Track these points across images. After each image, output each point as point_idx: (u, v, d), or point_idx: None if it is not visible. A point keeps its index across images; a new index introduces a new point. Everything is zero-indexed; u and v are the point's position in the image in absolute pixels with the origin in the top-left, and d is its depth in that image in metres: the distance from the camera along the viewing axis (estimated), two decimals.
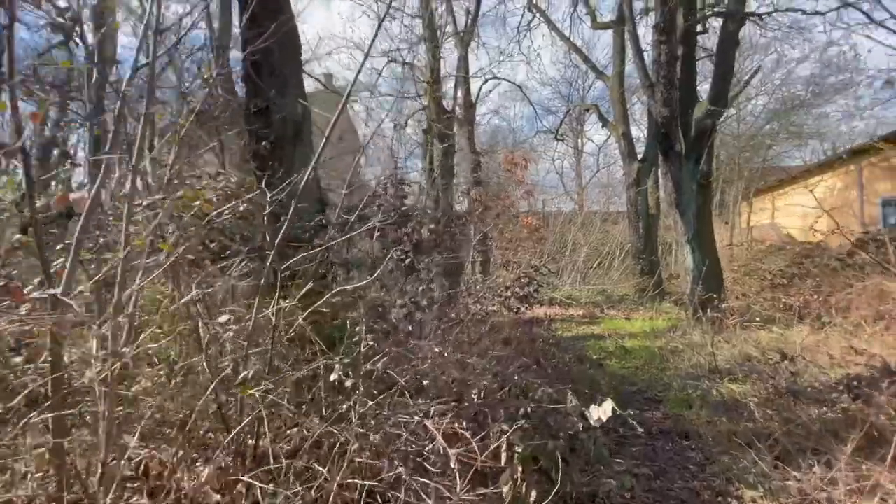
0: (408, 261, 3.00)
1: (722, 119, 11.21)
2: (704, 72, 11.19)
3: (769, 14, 12.41)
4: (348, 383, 1.72)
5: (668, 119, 7.22)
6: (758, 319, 6.39)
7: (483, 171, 17.10)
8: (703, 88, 9.04)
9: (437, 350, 2.55)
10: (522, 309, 5.69)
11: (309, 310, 2.39)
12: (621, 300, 11.11)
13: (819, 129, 21.78)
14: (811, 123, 22.20)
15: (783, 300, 6.70)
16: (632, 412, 4.15)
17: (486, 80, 14.30)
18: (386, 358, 1.93)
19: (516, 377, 2.57)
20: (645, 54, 8.69)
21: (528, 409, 2.09)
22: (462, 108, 13.85)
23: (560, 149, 30.25)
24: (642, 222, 11.44)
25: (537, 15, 13.83)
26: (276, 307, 2.05)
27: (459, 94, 13.52)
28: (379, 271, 3.07)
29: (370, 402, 1.75)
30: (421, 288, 2.82)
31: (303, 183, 2.14)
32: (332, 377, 1.77)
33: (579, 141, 27.10)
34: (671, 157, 7.35)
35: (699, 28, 9.57)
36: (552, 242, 16.17)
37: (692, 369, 5.15)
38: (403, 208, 3.02)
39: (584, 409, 2.37)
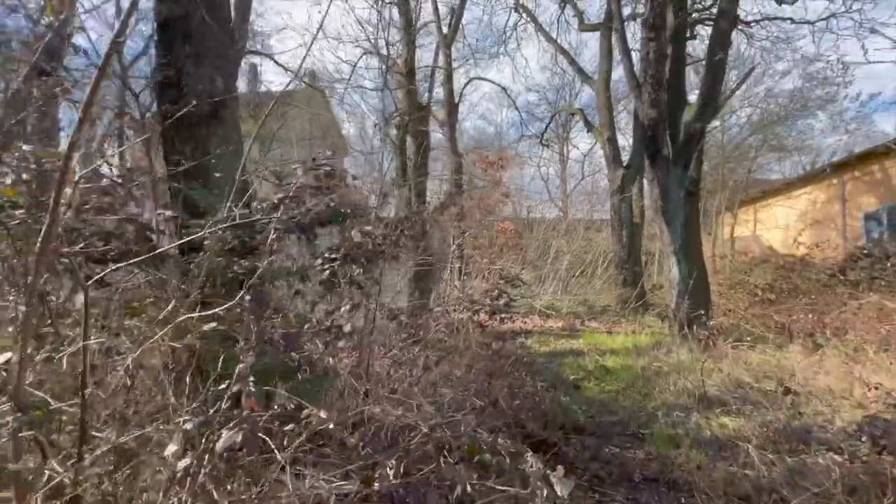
0: (327, 272, 2.37)
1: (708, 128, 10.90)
2: (692, 81, 10.86)
3: (757, 22, 12.19)
4: (181, 465, 1.11)
5: (656, 121, 6.75)
6: (748, 339, 5.92)
7: (466, 173, 16.58)
8: (690, 97, 8.65)
9: (363, 390, 1.94)
10: (494, 324, 5.12)
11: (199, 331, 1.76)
12: (603, 311, 10.63)
13: (802, 143, 21.81)
14: (795, 136, 22.27)
15: (775, 318, 6.24)
16: (612, 450, 3.60)
17: (470, 80, 13.79)
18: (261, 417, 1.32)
19: (463, 427, 1.98)
20: (633, 55, 8.24)
21: (469, 485, 1.50)
22: (444, 107, 13.31)
23: (545, 155, 30.00)
24: (626, 231, 11.00)
25: (524, 16, 13.40)
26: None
27: (441, 93, 12.96)
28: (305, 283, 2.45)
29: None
30: (345, 308, 2.20)
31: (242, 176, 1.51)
32: (167, 451, 1.15)
33: (565, 148, 26.83)
34: (658, 162, 6.88)
35: (688, 34, 9.19)
36: (535, 249, 15.70)
37: (679, 396, 4.62)
38: (332, 204, 2.43)
39: (549, 472, 1.79)
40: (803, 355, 5.46)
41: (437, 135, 12.99)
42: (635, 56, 8.37)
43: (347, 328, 2.07)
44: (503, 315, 4.87)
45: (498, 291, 4.79)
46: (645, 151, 7.03)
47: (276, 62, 10.58)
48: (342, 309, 2.16)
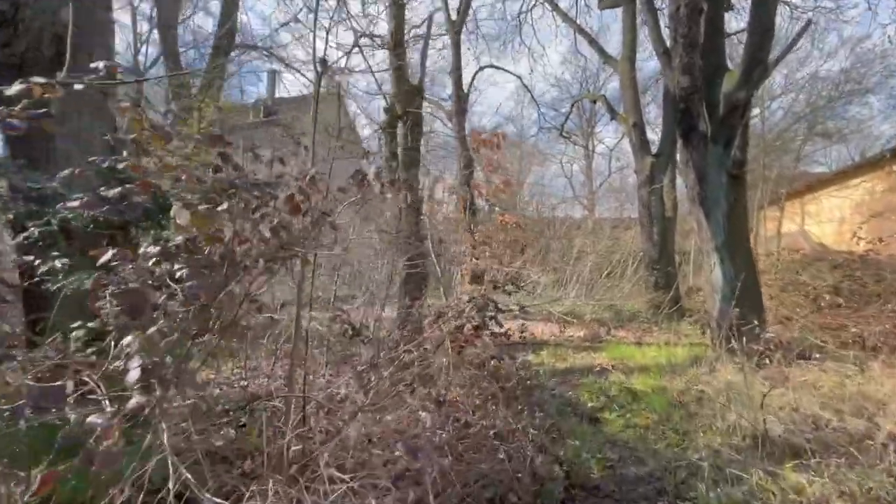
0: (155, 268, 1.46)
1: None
2: (728, 54, 9.51)
3: None
4: None
5: (689, 91, 5.61)
6: (817, 355, 4.71)
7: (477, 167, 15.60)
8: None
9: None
10: (493, 336, 4.13)
11: None
12: (632, 318, 9.42)
13: (859, 126, 19.79)
14: (843, 122, 20.32)
15: (851, 329, 4.99)
16: None
17: (481, 69, 12.84)
18: None
19: None
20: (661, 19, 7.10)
21: None
22: (453, 98, 12.38)
23: (569, 151, 28.67)
24: (657, 227, 9.76)
25: None
26: None
27: (449, 82, 12.07)
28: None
29: None
30: (134, 341, 1.30)
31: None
32: None
33: (590, 142, 25.46)
34: (693, 140, 5.73)
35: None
36: (556, 250, 14.54)
37: (730, 436, 3.50)
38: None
39: None
40: (893, 378, 4.24)
41: (448, 130, 12.08)
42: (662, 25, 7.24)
43: (134, 372, 1.17)
44: (491, 329, 3.86)
45: (483, 300, 3.78)
46: (677, 128, 5.89)
47: (273, 54, 9.89)
48: (128, 343, 1.26)
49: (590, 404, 4.47)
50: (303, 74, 10.14)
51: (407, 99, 6.06)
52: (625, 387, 4.91)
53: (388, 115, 6.35)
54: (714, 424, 3.70)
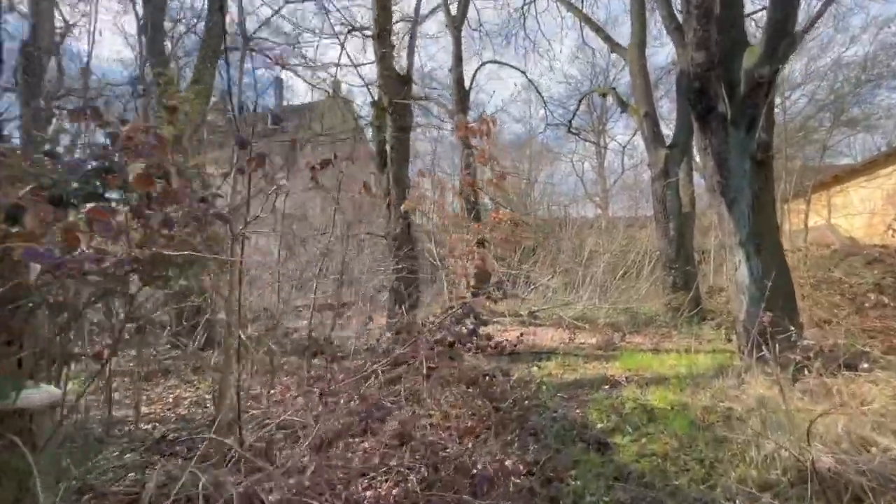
0: None
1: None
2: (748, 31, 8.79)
3: None
4: None
5: (706, 67, 5.01)
6: (864, 365, 4.06)
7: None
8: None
9: None
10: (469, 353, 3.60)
11: None
12: (648, 322, 8.76)
13: (885, 115, 18.74)
14: (872, 107, 19.27)
15: None
16: None
17: (483, 64, 12.35)
18: None
19: None
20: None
21: None
22: (454, 96, 11.90)
23: (580, 149, 27.94)
24: (673, 223, 9.09)
25: None
26: None
27: (447, 78, 11.62)
28: None
29: None
30: None
31: None
32: None
33: (602, 139, 24.72)
34: (711, 123, 5.12)
35: None
36: (567, 251, 13.90)
37: (768, 469, 2.90)
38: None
39: None
40: None
41: (447, 132, 11.58)
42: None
43: None
44: (477, 343, 3.32)
45: (466, 310, 3.25)
46: (692, 111, 5.28)
47: (265, 55, 9.55)
48: None
49: (599, 425, 3.88)
50: (296, 73, 9.80)
51: (394, 89, 5.58)
52: (640, 403, 4.30)
53: (374, 108, 5.89)
54: (747, 453, 3.09)
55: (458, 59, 11.83)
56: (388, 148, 5.58)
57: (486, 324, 3.61)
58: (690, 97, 5.25)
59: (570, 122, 14.17)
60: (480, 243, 10.77)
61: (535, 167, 22.29)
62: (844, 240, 15.22)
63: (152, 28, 8.54)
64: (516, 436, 3.07)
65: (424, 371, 3.18)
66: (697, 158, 15.71)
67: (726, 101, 5.07)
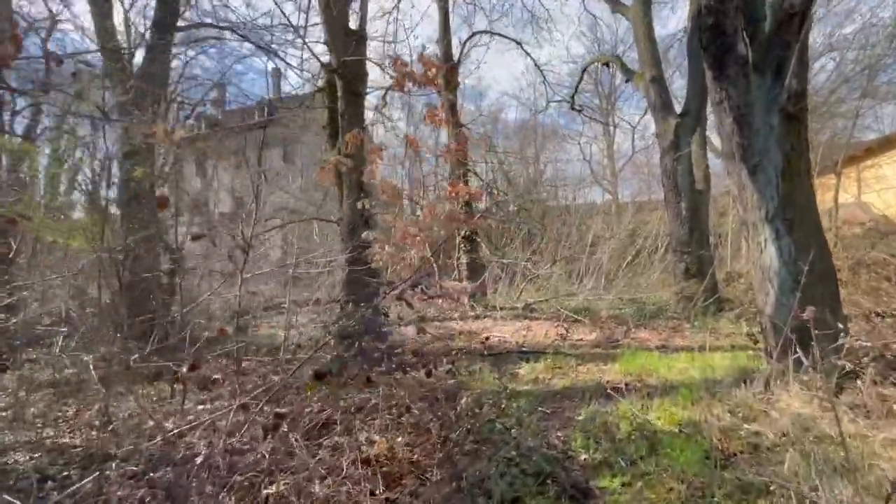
0: None
1: None
2: None
3: None
4: None
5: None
6: None
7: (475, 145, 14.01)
8: None
9: None
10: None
11: None
12: (657, 313, 7.77)
13: None
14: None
15: None
16: None
17: (472, 35, 11.31)
18: None
19: None
20: None
21: None
22: (441, 67, 10.90)
23: (588, 131, 26.64)
24: (685, 202, 8.04)
25: None
26: None
27: (438, 50, 10.63)
28: None
29: None
30: None
31: None
32: None
33: (610, 119, 23.42)
34: (729, 68, 4.10)
35: None
36: (567, 237, 12.89)
37: None
38: None
39: None
40: None
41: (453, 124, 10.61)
42: None
43: None
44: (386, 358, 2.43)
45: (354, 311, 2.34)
46: (705, 54, 4.25)
47: (232, 30, 8.70)
48: None
49: (583, 456, 2.97)
50: (265, 50, 8.90)
51: (343, 46, 4.66)
52: (639, 424, 3.37)
53: (325, 72, 4.99)
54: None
55: (444, 29, 10.82)
56: (339, 117, 4.67)
57: (389, 325, 2.68)
58: (703, 37, 4.22)
59: (572, 97, 13.04)
60: (469, 238, 9.87)
61: (541, 151, 21.16)
62: (878, 217, 13.95)
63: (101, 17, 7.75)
64: (456, 484, 2.18)
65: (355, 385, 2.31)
66: (713, 137, 14.46)
67: (747, 41, 4.04)
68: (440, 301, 9.89)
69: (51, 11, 14.68)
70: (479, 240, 10.25)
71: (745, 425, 3.17)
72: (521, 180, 19.21)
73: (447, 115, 10.56)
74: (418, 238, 3.08)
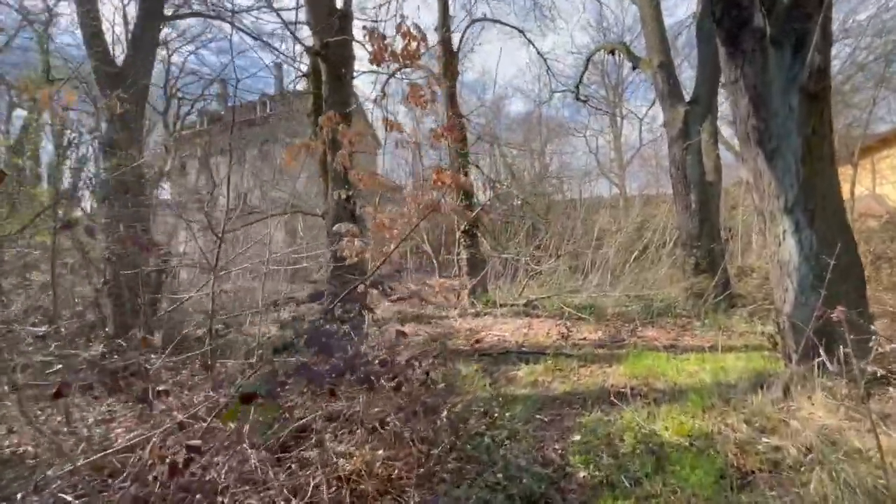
0: None
1: None
2: None
3: None
4: None
5: None
6: None
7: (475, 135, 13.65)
8: None
9: None
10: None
11: None
12: (665, 310, 7.42)
13: None
14: None
15: None
16: None
17: (473, 22, 10.94)
18: None
19: None
20: None
21: None
22: (441, 58, 10.56)
23: (594, 124, 26.14)
24: (695, 194, 7.66)
25: None
26: None
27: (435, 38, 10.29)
28: None
29: None
30: None
31: None
32: None
33: (618, 111, 22.93)
34: (744, 43, 3.75)
35: None
36: (579, 231, 12.52)
37: None
38: None
39: None
40: None
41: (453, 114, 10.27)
42: None
43: None
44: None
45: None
46: (718, 29, 3.90)
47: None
48: None
49: (581, 474, 2.66)
50: (254, 38, 8.62)
51: (327, 27, 4.36)
52: (645, 435, 3.06)
53: (309, 55, 4.70)
54: None
55: (444, 19, 10.47)
56: (323, 103, 4.38)
57: (345, 322, 2.39)
58: (716, 10, 3.86)
59: (577, 86, 12.63)
60: (469, 232, 9.53)
61: (546, 144, 20.72)
62: (893, 210, 13.45)
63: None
64: None
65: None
66: (723, 129, 13.89)
67: (764, 13, 3.68)
68: (440, 297, 9.61)
69: (48, 7, 14.51)
70: (479, 234, 9.92)
71: (764, 438, 2.85)
72: (525, 174, 18.84)
73: (445, 98, 10.22)
74: (396, 231, 2.78)
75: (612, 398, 3.80)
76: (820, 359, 3.39)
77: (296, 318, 1.88)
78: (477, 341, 5.77)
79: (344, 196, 4.14)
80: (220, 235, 3.52)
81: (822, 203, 3.63)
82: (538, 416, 3.55)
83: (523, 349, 5.82)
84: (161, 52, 16.58)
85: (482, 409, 3.30)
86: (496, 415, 3.20)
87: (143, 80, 7.35)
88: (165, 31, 16.49)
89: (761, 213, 3.90)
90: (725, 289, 7.35)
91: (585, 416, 3.48)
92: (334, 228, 3.21)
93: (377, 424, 2.25)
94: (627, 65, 22.74)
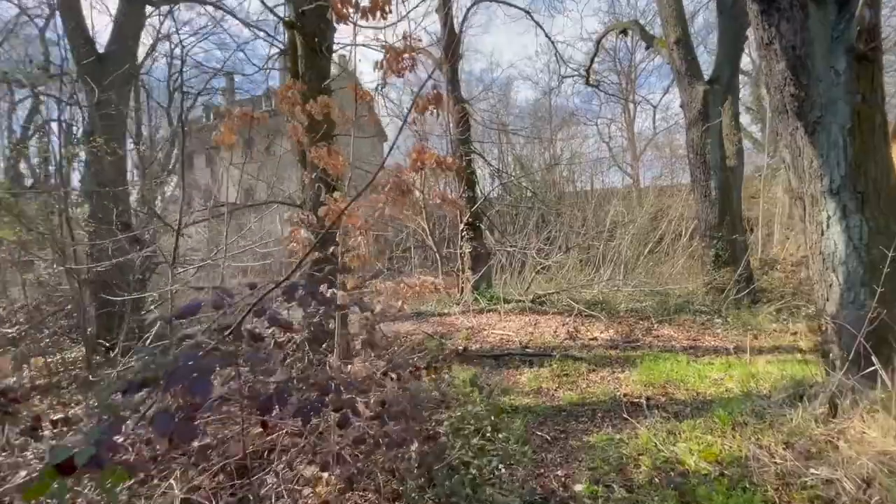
0: None
1: None
2: None
3: None
4: None
5: None
6: None
7: (479, 126, 13.09)
8: None
9: None
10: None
11: None
12: (683, 307, 6.87)
13: None
14: None
15: None
16: None
17: (476, 2, 10.38)
18: None
19: None
20: None
21: None
22: (442, 42, 10.04)
23: (607, 113, 25.31)
24: (714, 180, 7.07)
25: None
26: None
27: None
28: None
29: None
30: None
31: None
32: None
33: (630, 97, 22.10)
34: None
35: None
36: (591, 223, 11.96)
37: None
38: None
39: None
40: None
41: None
42: None
43: None
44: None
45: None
46: None
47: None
48: None
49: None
50: (249, 26, 8.21)
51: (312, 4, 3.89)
52: (665, 460, 2.58)
53: (287, 30, 4.25)
54: None
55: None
56: (300, 80, 3.94)
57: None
58: None
59: (587, 70, 12.00)
60: (472, 225, 9.04)
61: (556, 134, 20.01)
62: None
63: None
64: None
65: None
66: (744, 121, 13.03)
67: None
68: (441, 289, 9.17)
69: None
70: (483, 227, 9.43)
71: (811, 467, 2.35)
72: (534, 165, 18.21)
73: (447, 81, 9.72)
74: (360, 221, 2.32)
75: (625, 412, 3.32)
76: (872, 367, 2.87)
77: (183, 337, 1.43)
78: (464, 349, 5.33)
79: (307, 180, 3.70)
80: (178, 230, 3.10)
81: (874, 184, 3.08)
82: (539, 433, 3.09)
83: (527, 350, 5.35)
84: (164, 46, 16.24)
85: (474, 427, 2.84)
86: (488, 434, 2.74)
87: (126, 67, 6.98)
88: (168, 24, 16.12)
89: (800, 198, 3.36)
90: (749, 283, 6.78)
91: (594, 435, 3.00)
92: (285, 217, 2.76)
93: (332, 459, 1.81)
94: (640, 52, 21.86)
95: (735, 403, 3.20)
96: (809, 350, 4.06)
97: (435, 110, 2.94)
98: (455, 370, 4.68)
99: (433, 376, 3.50)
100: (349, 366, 2.49)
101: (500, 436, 2.75)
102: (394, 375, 2.41)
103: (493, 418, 3.00)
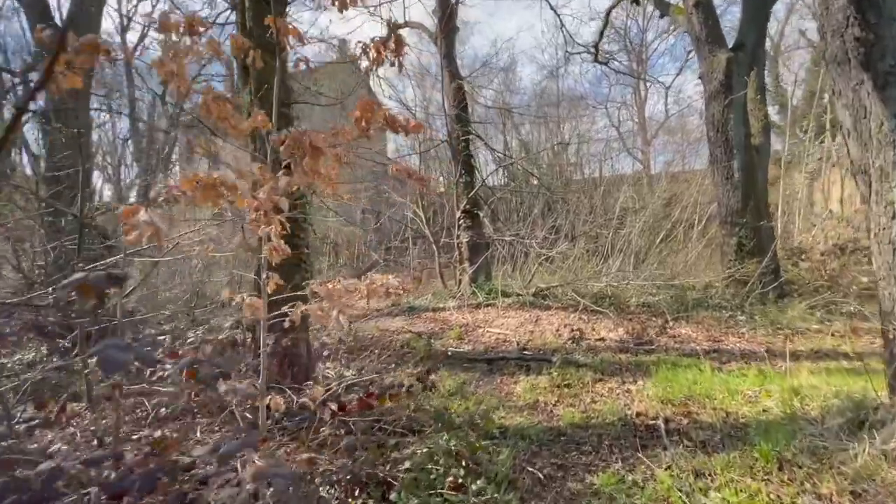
0: None
1: None
2: None
3: None
4: None
5: None
6: None
7: (477, 107, 12.35)
8: None
9: None
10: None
11: None
12: (701, 302, 6.18)
13: None
14: None
15: None
16: None
17: None
18: None
19: None
20: None
21: None
22: (436, 15, 9.29)
23: (616, 97, 24.30)
24: (738, 159, 6.32)
25: None
26: None
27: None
28: None
29: None
30: None
31: None
32: None
33: (642, 76, 21.09)
34: None
35: None
36: (599, 210, 11.23)
37: None
38: None
39: None
40: None
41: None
42: None
43: None
44: None
45: None
46: None
47: None
48: None
49: None
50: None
51: None
52: None
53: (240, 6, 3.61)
54: None
55: None
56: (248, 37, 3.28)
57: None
58: None
59: (595, 46, 11.18)
60: (470, 212, 8.37)
61: (563, 117, 19.14)
62: None
63: None
64: None
65: None
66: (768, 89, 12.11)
67: None
68: (442, 281, 8.56)
69: None
70: (481, 214, 8.76)
71: None
72: (538, 149, 17.39)
73: (441, 57, 9.01)
74: (261, 206, 1.68)
75: (638, 441, 2.68)
76: None
77: None
78: (449, 354, 4.72)
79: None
80: (84, 220, 2.50)
81: None
82: (531, 468, 2.46)
83: (525, 353, 4.72)
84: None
85: (444, 467, 2.22)
86: (461, 480, 2.12)
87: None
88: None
89: (863, 171, 2.66)
90: (776, 276, 6.06)
91: (600, 474, 2.37)
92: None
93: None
94: (652, 31, 20.76)
95: (778, 431, 2.55)
96: (858, 356, 3.37)
97: (396, 59, 2.30)
98: (442, 375, 4.08)
99: (419, 386, 2.86)
100: (269, 396, 1.89)
101: (477, 481, 2.13)
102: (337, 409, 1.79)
103: (478, 438, 2.38)
